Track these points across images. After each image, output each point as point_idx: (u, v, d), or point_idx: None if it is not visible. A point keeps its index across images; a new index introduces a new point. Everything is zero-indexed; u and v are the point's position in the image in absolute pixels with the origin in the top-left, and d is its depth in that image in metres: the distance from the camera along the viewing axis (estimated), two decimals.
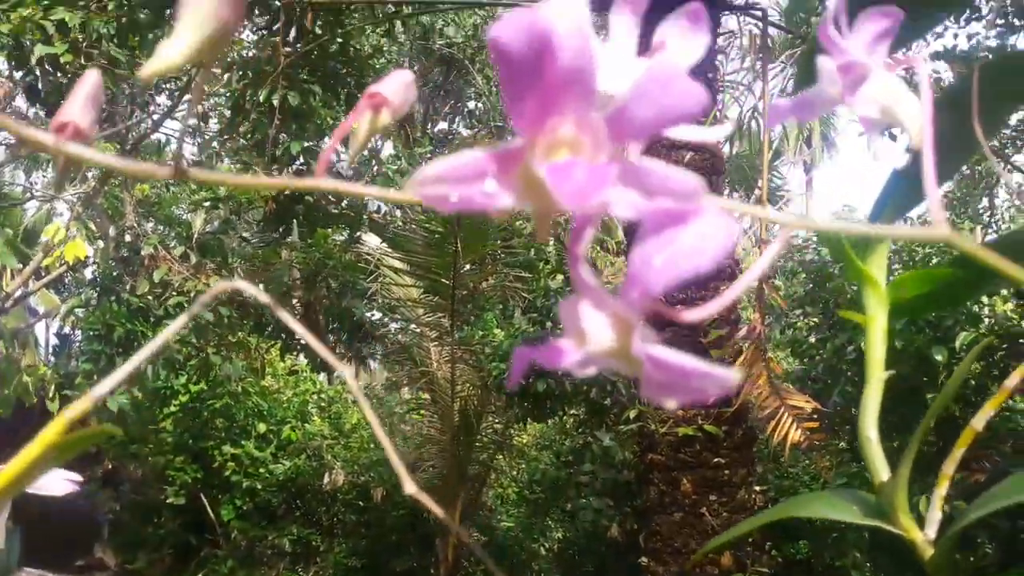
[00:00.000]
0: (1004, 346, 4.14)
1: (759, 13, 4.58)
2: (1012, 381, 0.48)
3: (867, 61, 0.39)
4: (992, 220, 5.89)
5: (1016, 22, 5.02)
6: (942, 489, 0.47)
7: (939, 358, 4.02)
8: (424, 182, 0.25)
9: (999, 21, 5.14)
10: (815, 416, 4.08)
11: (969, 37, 5.22)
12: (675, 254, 0.25)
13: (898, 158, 0.41)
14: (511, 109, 0.25)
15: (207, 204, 5.39)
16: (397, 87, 0.34)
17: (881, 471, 0.48)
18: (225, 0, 0.27)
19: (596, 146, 0.25)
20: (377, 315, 7.08)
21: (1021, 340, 4.14)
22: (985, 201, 5.89)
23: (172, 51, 0.27)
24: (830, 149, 9.65)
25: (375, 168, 7.90)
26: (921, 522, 0.47)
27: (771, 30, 5.37)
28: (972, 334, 4.12)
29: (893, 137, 5.36)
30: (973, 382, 4.08)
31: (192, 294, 4.93)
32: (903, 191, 0.55)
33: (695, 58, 0.34)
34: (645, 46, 0.34)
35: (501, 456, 5.31)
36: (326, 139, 4.96)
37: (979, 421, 0.48)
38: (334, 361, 0.32)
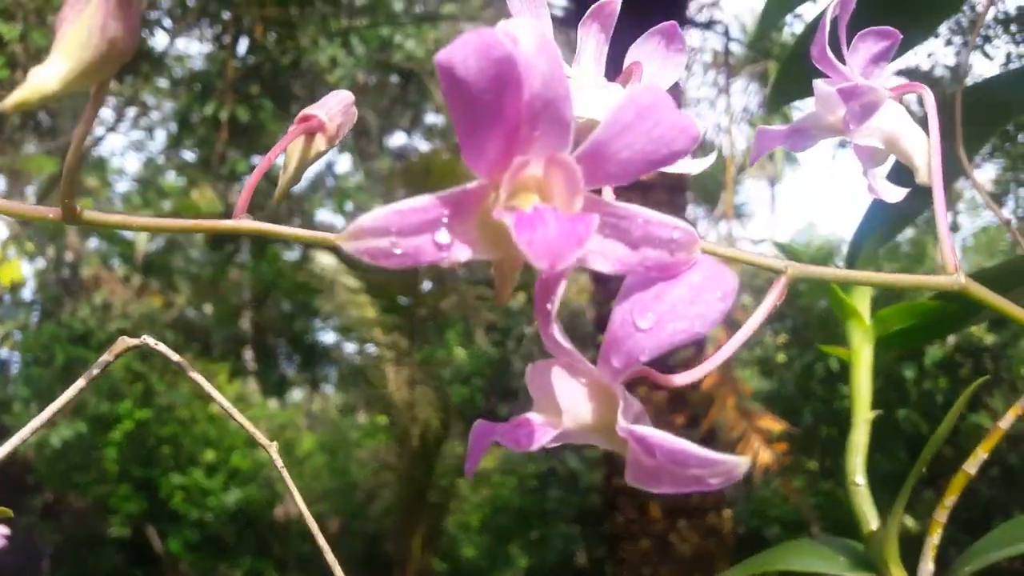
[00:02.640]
0: (969, 360, 4.18)
1: (722, 29, 4.60)
2: (1006, 422, 0.47)
3: (878, 87, 0.36)
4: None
5: (969, 40, 5.06)
6: (934, 538, 0.45)
7: (909, 374, 4.02)
8: (361, 234, 0.22)
9: (955, 39, 5.17)
10: (785, 437, 4.03)
11: (928, 55, 5.26)
12: (665, 315, 0.22)
13: (892, 193, 0.38)
14: (465, 146, 0.21)
15: None
16: (335, 109, 0.31)
17: (871, 519, 0.47)
18: (114, 13, 0.22)
19: (570, 190, 0.22)
20: (331, 337, 6.94)
21: (985, 353, 4.16)
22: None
23: (47, 76, 0.22)
24: (792, 164, 9.75)
25: (330, 183, 7.77)
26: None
27: (733, 46, 5.39)
28: (940, 350, 4.13)
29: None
30: (940, 398, 4.10)
31: (136, 317, 4.73)
32: (888, 219, 0.54)
33: (673, 81, 0.32)
34: (616, 67, 0.32)
35: (463, 482, 5.20)
36: None
37: (971, 465, 0.47)
38: (259, 437, 0.32)
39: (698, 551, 3.78)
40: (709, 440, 3.95)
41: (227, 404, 0.29)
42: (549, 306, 0.23)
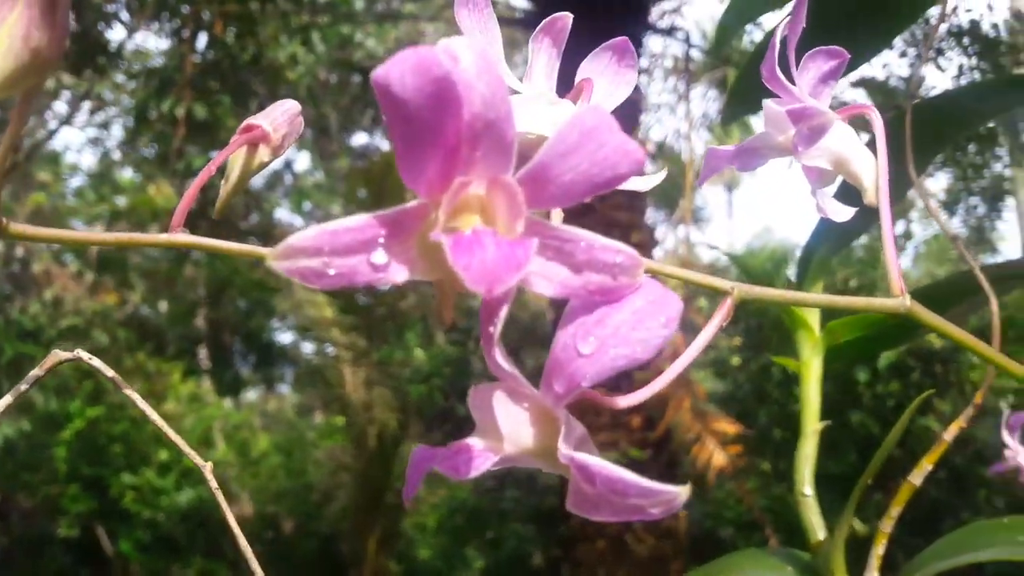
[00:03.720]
0: (920, 364, 4.24)
1: (683, 35, 4.63)
2: (950, 435, 0.48)
3: (826, 109, 0.36)
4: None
5: (923, 53, 5.15)
6: (879, 548, 0.45)
7: (862, 377, 4.07)
8: (292, 253, 0.20)
9: (910, 51, 5.27)
10: (739, 439, 4.07)
11: (883, 66, 5.36)
12: (607, 340, 0.22)
13: (841, 212, 0.38)
14: (403, 165, 0.21)
15: (107, 217, 5.11)
16: (280, 119, 0.30)
17: (818, 530, 0.48)
18: (38, 22, 0.21)
19: (512, 212, 0.22)
20: (288, 336, 6.87)
21: (935, 357, 4.23)
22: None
23: None
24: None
25: (288, 181, 7.68)
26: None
27: (693, 52, 5.43)
28: (893, 354, 4.18)
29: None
30: (891, 402, 4.16)
31: (89, 314, 4.64)
32: (836, 234, 0.55)
33: (623, 97, 0.32)
34: (567, 81, 0.32)
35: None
36: None
37: (917, 477, 0.47)
38: (194, 457, 0.30)
39: (653, 552, 3.79)
40: (666, 440, 3.98)
41: (161, 422, 0.28)
42: (492, 329, 0.23)
